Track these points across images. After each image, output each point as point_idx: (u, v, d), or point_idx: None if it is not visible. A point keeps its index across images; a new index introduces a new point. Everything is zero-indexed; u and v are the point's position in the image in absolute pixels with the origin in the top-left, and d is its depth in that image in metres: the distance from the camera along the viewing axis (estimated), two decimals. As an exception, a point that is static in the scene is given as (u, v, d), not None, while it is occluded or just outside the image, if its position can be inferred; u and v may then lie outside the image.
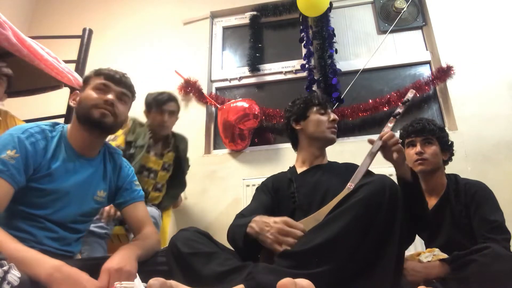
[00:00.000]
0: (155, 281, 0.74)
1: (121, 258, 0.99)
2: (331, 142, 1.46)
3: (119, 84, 1.18)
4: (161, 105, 1.97)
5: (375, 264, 0.90)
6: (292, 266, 0.90)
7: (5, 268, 0.74)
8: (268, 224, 1.04)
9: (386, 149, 1.21)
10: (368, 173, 1.22)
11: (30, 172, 1.06)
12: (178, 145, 2.11)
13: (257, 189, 1.48)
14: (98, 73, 1.19)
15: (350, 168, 1.41)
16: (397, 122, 1.31)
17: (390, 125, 1.27)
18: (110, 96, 1.15)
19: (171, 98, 2.02)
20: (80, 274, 0.89)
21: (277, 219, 1.05)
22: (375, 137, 1.25)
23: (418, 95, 1.36)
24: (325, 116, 1.46)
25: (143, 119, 2.06)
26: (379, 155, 1.23)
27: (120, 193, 1.28)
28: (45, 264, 0.88)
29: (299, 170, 1.46)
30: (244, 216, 1.30)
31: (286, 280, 0.70)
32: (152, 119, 2.00)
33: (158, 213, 1.93)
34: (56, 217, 1.11)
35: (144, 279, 0.79)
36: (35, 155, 1.07)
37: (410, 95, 1.33)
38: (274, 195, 1.39)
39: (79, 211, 1.18)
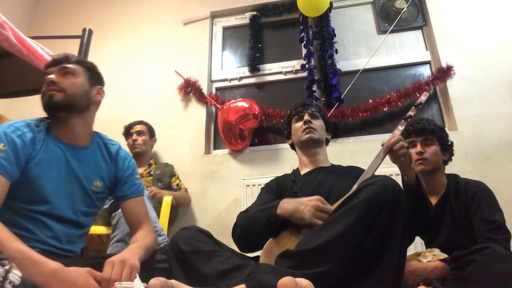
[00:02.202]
0: (156, 280, 0.74)
1: (125, 253, 1.00)
2: (308, 142, 1.47)
3: (56, 64, 1.19)
4: (128, 129, 2.44)
5: (377, 264, 0.90)
6: (294, 266, 0.90)
7: (7, 267, 0.74)
8: (302, 203, 1.11)
9: (393, 153, 1.21)
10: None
11: (22, 164, 1.06)
12: (157, 170, 2.36)
13: (262, 189, 1.50)
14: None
15: (353, 171, 1.42)
16: (397, 120, 1.31)
17: (400, 128, 1.26)
18: (48, 77, 1.15)
19: (136, 122, 2.45)
20: (77, 278, 0.88)
21: (311, 197, 1.12)
22: (378, 137, 1.25)
23: (426, 96, 1.34)
24: (300, 122, 1.50)
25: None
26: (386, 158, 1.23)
27: (119, 187, 1.26)
28: (42, 268, 0.88)
29: (302, 172, 1.48)
30: None
31: (287, 279, 0.70)
32: (128, 145, 2.39)
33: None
34: (56, 211, 1.10)
35: (145, 278, 0.79)
36: (24, 147, 1.07)
37: (423, 98, 1.31)
38: (279, 195, 1.40)
39: (78, 202, 1.17)
